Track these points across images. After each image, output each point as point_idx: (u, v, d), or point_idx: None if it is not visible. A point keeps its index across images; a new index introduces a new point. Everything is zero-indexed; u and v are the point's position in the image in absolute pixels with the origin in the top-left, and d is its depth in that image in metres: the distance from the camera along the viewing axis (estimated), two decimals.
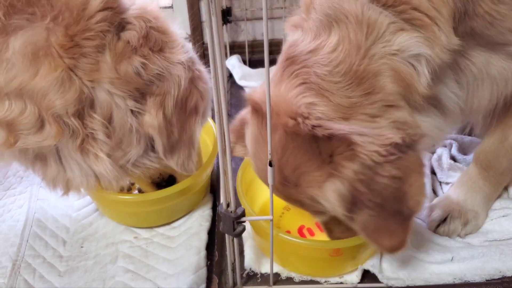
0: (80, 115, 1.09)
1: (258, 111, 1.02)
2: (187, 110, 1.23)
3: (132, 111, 1.13)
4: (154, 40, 1.13)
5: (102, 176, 1.19)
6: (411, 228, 1.01)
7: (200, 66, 1.27)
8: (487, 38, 0.99)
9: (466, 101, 1.07)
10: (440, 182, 1.53)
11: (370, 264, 1.25)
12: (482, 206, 1.38)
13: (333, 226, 1.15)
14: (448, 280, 1.24)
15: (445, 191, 1.49)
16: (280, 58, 1.03)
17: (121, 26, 1.09)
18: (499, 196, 1.42)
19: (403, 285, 1.24)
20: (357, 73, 0.93)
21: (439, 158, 1.56)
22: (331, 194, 0.95)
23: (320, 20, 0.97)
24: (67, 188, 1.24)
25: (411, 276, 1.25)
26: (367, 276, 1.27)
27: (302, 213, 1.15)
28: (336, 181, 0.94)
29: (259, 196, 1.44)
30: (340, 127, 0.91)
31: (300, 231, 1.39)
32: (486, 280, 1.23)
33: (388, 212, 0.97)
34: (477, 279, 1.24)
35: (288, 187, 1.01)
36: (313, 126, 0.91)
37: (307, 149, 0.94)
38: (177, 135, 1.22)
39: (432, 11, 0.92)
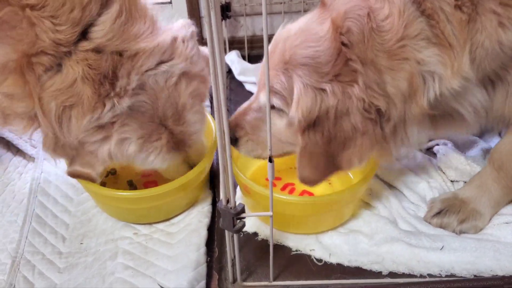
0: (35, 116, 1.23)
1: None
2: (84, 149, 1.28)
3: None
4: (71, 95, 1.15)
5: None
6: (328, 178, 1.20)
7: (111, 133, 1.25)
8: None
9: (494, 107, 1.17)
10: (452, 181, 1.52)
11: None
12: (486, 208, 1.35)
13: None
14: (434, 271, 1.23)
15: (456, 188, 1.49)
16: None
17: (60, 67, 1.13)
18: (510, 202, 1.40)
19: (385, 272, 1.25)
20: (391, 49, 1.07)
21: (447, 157, 1.55)
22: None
23: None
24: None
25: (396, 261, 1.25)
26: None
27: None
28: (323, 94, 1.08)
29: (249, 165, 1.54)
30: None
31: None
32: (474, 276, 1.22)
33: (329, 150, 1.13)
34: (464, 273, 1.22)
35: None
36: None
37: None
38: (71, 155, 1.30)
39: (452, 38, 1.04)
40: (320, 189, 1.46)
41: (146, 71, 1.18)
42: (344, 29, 1.06)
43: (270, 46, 1.19)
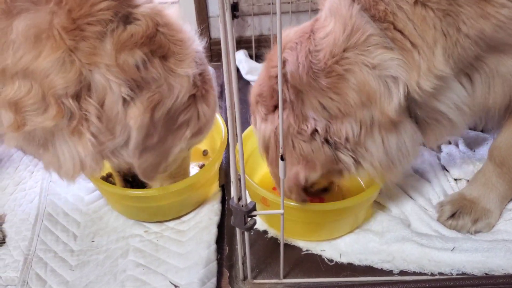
0: (77, 97, 1.11)
1: None
2: (177, 122, 1.23)
3: (124, 99, 1.13)
4: (159, 45, 1.14)
5: (82, 158, 1.19)
6: None
7: (209, 86, 1.28)
8: (496, 40, 1.04)
9: (476, 102, 1.14)
10: (456, 179, 1.52)
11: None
12: (495, 205, 1.36)
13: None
14: (445, 270, 1.24)
15: (460, 187, 1.49)
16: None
17: (128, 18, 1.10)
18: None
19: (395, 270, 1.26)
20: (325, 66, 1.05)
21: (450, 156, 1.56)
22: None
23: (328, 8, 1.10)
24: (59, 172, 1.24)
25: (407, 259, 1.26)
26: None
27: None
28: None
29: (258, 169, 1.53)
30: None
31: None
32: (485, 274, 1.23)
33: None
34: (476, 272, 1.23)
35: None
36: None
37: None
38: (156, 141, 1.22)
39: (415, 37, 0.99)
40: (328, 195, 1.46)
41: None
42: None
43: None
